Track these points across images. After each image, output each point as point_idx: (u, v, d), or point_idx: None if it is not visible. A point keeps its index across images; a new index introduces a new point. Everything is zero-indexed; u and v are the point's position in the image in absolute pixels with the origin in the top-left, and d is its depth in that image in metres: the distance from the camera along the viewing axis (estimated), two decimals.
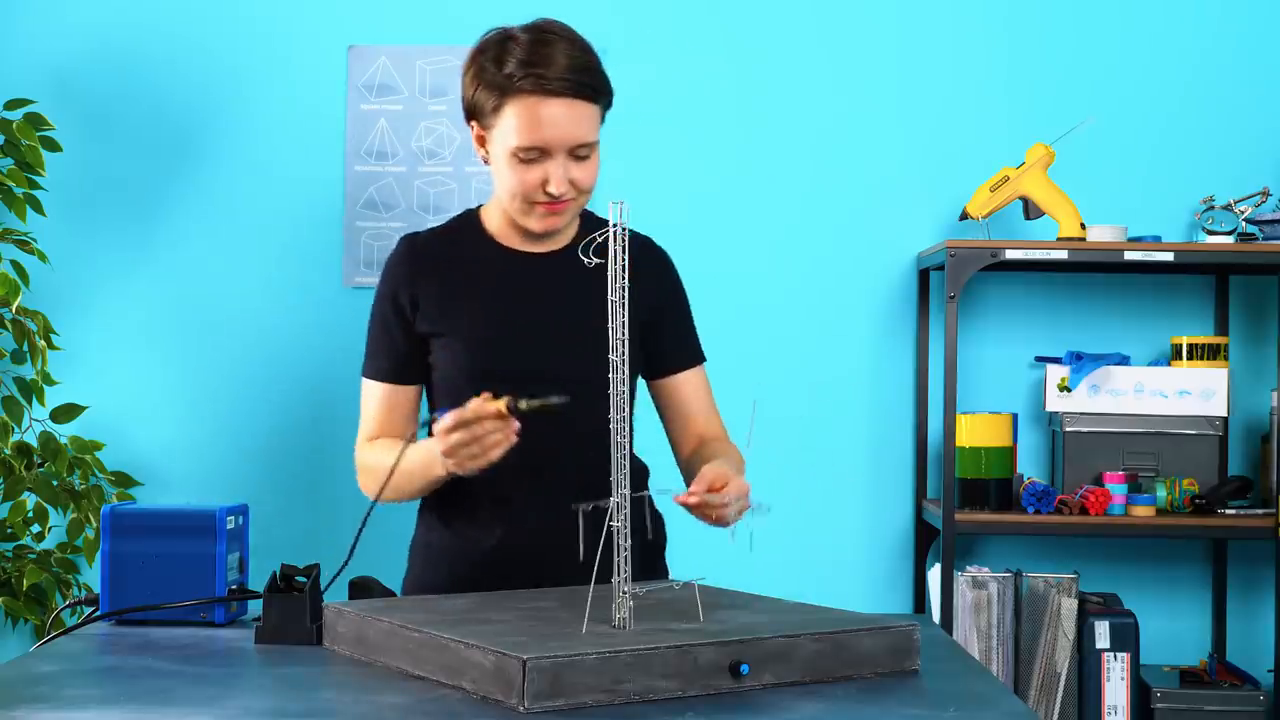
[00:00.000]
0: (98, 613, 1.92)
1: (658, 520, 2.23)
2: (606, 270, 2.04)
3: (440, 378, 2.17)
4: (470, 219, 2.22)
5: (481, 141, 2.09)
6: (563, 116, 2.01)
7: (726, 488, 1.90)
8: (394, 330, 2.18)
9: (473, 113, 2.09)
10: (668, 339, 2.24)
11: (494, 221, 2.18)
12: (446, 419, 1.90)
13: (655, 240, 2.29)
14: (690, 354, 2.27)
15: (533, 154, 2.02)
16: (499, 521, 2.14)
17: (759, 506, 1.93)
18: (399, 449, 2.02)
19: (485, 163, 2.11)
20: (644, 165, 3.51)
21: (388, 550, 3.58)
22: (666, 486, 1.94)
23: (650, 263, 2.23)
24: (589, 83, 2.03)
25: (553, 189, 2.03)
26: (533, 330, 2.12)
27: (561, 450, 2.08)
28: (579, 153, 2.05)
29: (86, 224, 3.56)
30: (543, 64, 2.00)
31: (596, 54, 2.08)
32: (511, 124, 2.02)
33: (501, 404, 1.87)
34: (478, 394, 1.92)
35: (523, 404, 1.86)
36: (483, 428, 1.88)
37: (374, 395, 2.23)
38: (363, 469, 2.22)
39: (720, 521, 1.92)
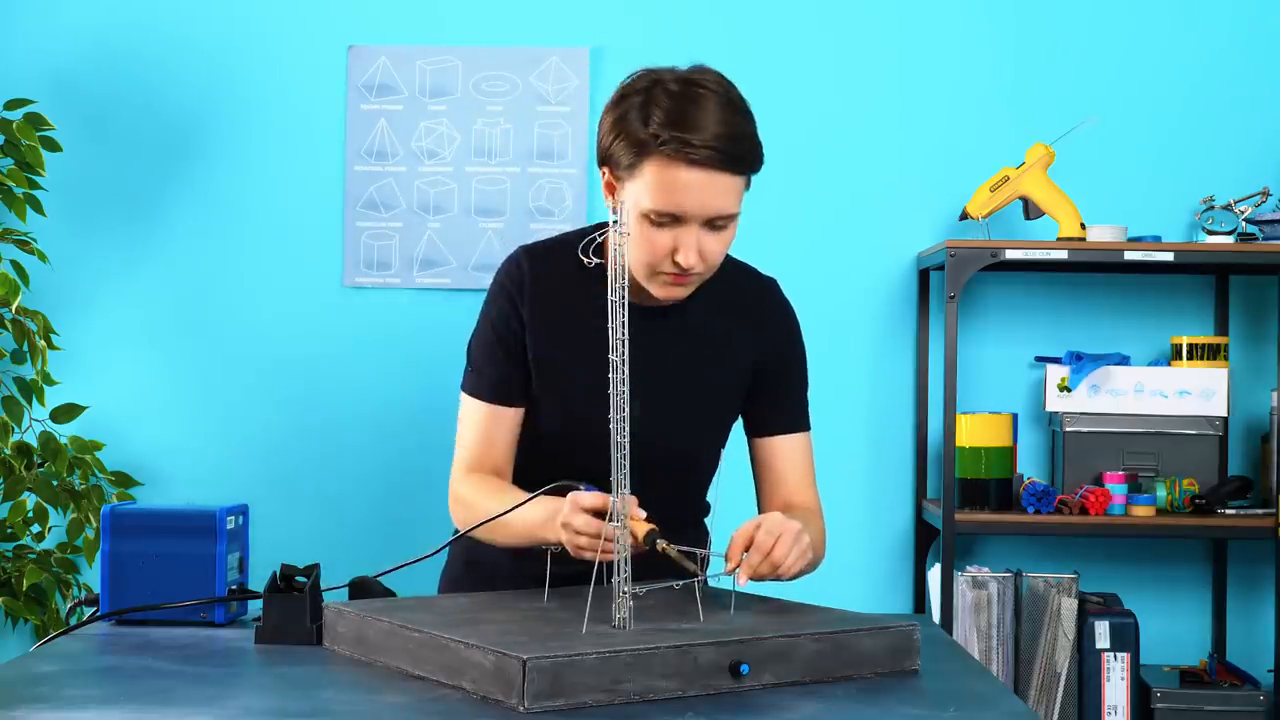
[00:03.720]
0: (98, 613, 1.92)
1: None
2: (720, 329, 2.00)
3: (527, 415, 2.06)
4: (601, 248, 2.03)
5: (611, 190, 1.96)
6: (703, 186, 1.86)
7: (761, 539, 1.77)
8: (501, 346, 2.05)
9: (606, 161, 1.95)
10: (771, 397, 2.12)
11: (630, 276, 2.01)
12: (589, 499, 1.78)
13: (779, 285, 2.17)
14: (792, 419, 2.14)
15: (665, 219, 1.88)
16: (552, 560, 1.91)
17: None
18: (510, 495, 1.91)
19: (612, 211, 1.93)
20: None
21: (387, 550, 3.58)
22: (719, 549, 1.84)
23: (774, 309, 2.13)
24: (736, 153, 1.87)
25: (681, 259, 1.90)
26: (638, 388, 1.83)
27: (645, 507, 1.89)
28: (716, 223, 1.91)
29: (86, 224, 3.56)
30: (689, 127, 1.85)
31: (751, 116, 1.92)
32: (647, 186, 1.87)
33: (645, 528, 1.72)
34: (559, 449, 1.89)
35: (662, 545, 1.72)
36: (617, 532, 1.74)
37: (475, 415, 2.06)
38: (461, 503, 2.05)
39: (782, 576, 1.79)
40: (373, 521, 3.52)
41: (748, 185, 1.95)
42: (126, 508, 1.95)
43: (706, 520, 2.22)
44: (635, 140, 1.88)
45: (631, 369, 1.79)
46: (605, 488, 1.69)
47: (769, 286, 2.16)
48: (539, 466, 2.01)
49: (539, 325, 2.04)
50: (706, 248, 1.92)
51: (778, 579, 1.80)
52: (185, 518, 1.92)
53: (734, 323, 2.10)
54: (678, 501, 2.06)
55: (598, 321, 1.77)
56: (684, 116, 1.86)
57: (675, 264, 1.91)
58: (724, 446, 2.14)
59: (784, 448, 2.14)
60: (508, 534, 1.96)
